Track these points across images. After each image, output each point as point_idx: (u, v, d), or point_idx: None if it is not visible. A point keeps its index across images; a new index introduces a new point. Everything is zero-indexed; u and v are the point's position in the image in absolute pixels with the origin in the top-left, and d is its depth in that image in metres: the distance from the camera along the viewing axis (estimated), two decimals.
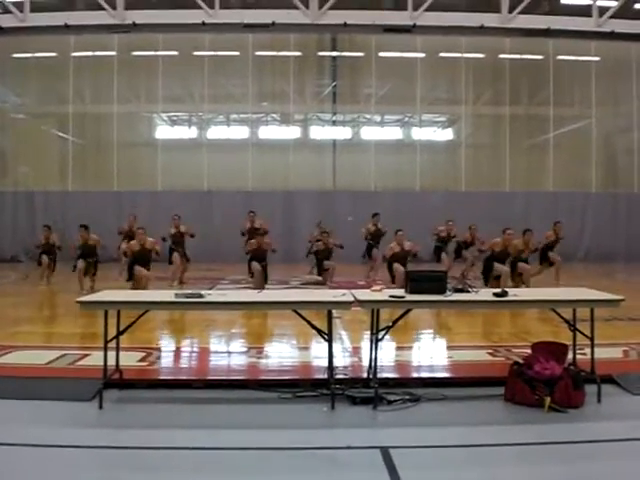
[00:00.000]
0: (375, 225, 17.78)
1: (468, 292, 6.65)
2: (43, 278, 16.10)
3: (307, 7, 22.66)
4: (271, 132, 26.74)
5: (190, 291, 6.54)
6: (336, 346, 7.73)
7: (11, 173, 24.95)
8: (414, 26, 22.65)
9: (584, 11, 23.29)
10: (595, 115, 24.87)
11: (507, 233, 14.37)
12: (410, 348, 8.91)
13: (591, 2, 23.21)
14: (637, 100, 24.68)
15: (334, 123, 26.49)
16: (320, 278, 15.63)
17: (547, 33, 23.12)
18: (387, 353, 7.87)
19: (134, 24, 22.35)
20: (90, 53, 24.36)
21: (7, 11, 22.28)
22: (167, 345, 9.37)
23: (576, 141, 25.30)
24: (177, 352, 8.90)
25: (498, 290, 6.55)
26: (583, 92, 25.11)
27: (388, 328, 6.41)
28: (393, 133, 27.46)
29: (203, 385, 6.74)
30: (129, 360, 7.15)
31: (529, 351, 6.68)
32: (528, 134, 25.64)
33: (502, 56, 24.95)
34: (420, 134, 26.62)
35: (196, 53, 24.66)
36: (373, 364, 6.46)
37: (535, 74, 25.12)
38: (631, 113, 24.85)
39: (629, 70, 24.57)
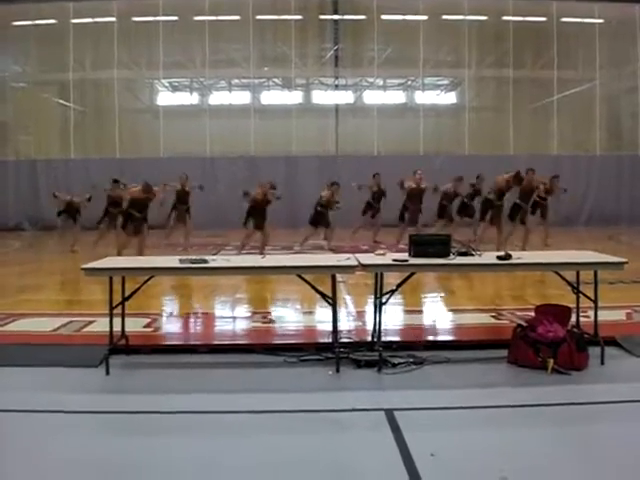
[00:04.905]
0: (378, 185, 17.66)
1: (472, 255, 6.65)
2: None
3: None
4: (273, 97, 26.62)
5: (195, 257, 6.55)
6: (340, 310, 7.78)
7: (13, 142, 24.89)
8: None
9: None
10: (599, 77, 24.66)
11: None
12: (414, 311, 8.92)
13: None
14: None
15: (336, 87, 26.36)
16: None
17: None
18: (391, 316, 7.89)
19: None
20: (90, 20, 24.17)
21: None
22: (172, 311, 9.42)
23: (580, 104, 25.11)
24: (182, 317, 8.95)
25: (501, 253, 6.54)
26: (587, 54, 24.85)
27: (392, 292, 6.43)
28: (396, 97, 27.34)
29: (208, 350, 6.78)
30: (135, 326, 7.19)
31: (532, 314, 6.69)
32: (532, 97, 25.48)
33: (505, 18, 24.64)
34: (423, 98, 26.46)
35: (196, 18, 24.40)
36: (377, 327, 6.49)
37: (539, 36, 24.88)
38: (635, 75, 24.61)
39: (633, 32, 24.30)
